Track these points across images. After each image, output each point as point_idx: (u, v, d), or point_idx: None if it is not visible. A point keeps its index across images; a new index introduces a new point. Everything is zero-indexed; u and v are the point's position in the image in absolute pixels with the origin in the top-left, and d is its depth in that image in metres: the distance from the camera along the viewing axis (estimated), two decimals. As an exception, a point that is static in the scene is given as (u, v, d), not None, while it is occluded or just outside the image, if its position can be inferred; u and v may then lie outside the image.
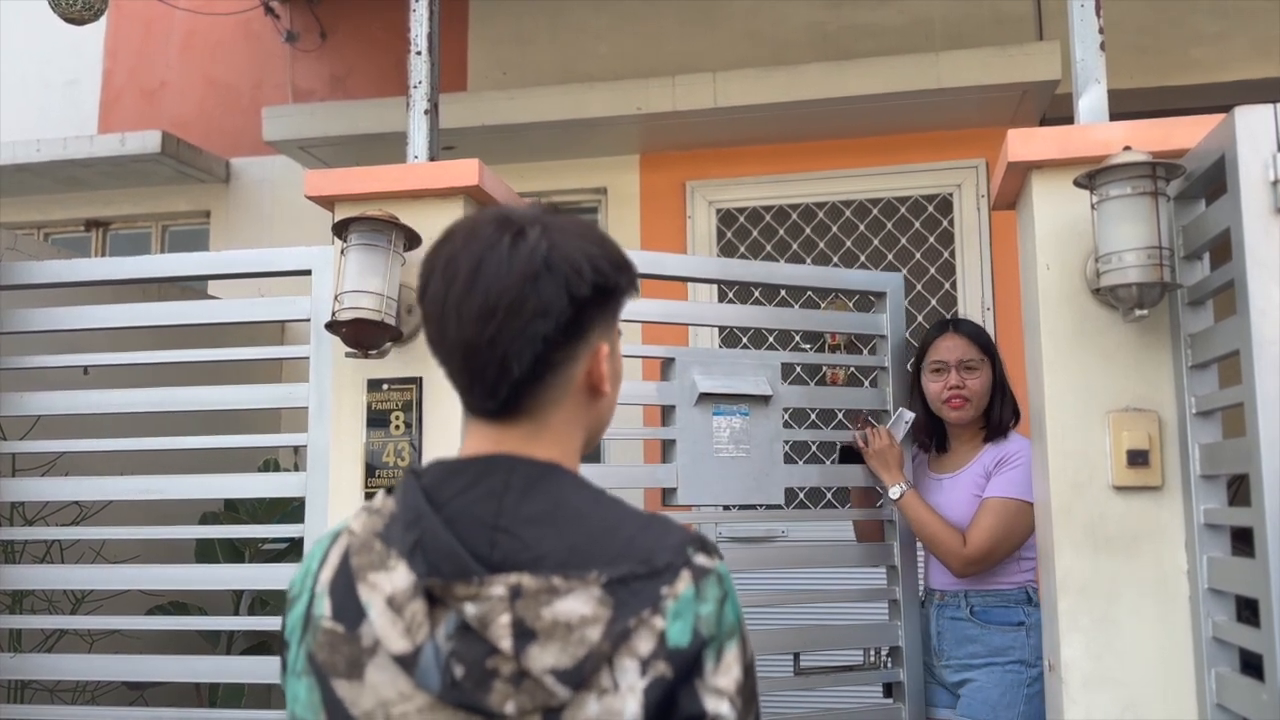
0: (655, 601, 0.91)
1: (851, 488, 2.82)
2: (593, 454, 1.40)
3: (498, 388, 1.00)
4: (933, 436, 2.80)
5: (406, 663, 0.91)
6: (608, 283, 1.02)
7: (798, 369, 4.35)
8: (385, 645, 0.92)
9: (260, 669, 2.55)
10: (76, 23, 3.87)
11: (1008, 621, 2.54)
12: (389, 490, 1.03)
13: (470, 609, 0.90)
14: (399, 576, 0.93)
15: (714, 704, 0.91)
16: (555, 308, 0.98)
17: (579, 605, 0.90)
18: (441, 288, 1.00)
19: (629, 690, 0.89)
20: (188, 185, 5.44)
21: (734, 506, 3.11)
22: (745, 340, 4.49)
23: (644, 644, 0.90)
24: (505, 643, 0.89)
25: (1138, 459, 2.02)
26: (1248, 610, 1.80)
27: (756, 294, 4.34)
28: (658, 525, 0.97)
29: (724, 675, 0.93)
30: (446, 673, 0.90)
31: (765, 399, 2.63)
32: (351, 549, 0.98)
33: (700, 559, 0.95)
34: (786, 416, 3.81)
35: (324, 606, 0.98)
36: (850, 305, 4.33)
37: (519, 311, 0.97)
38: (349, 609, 0.96)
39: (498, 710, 0.89)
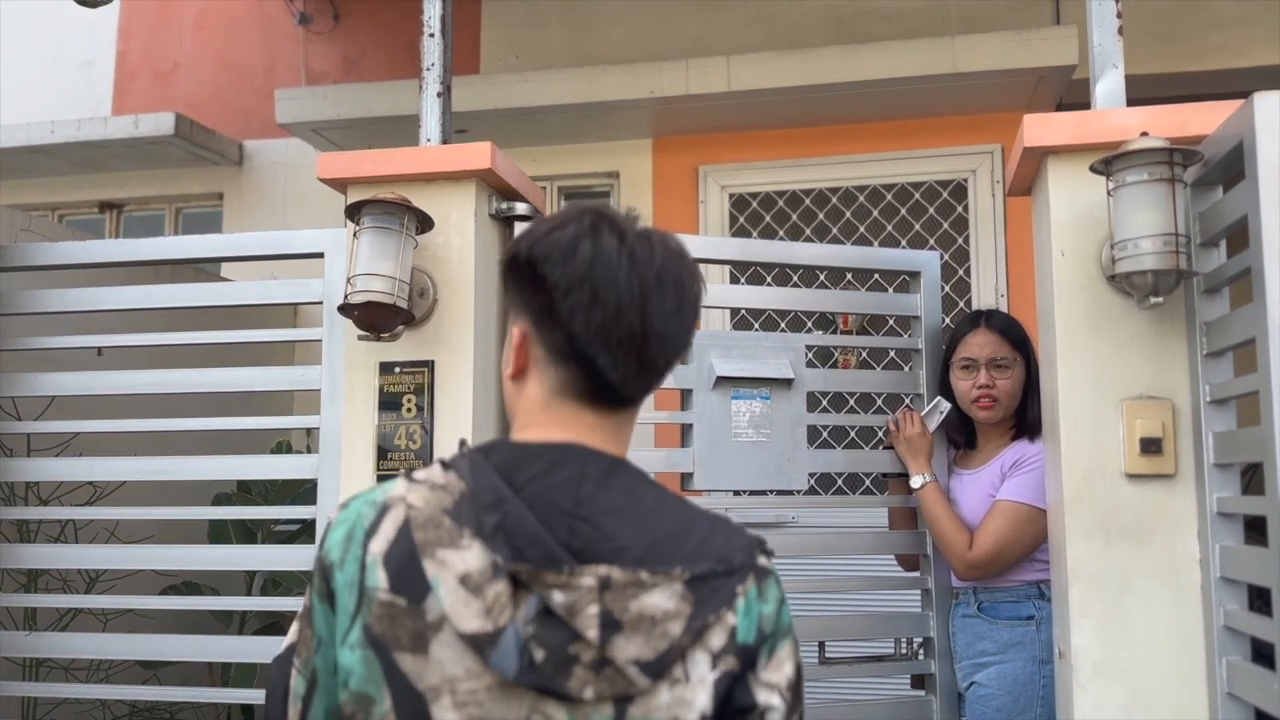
0: (730, 599, 0.96)
1: (891, 474, 2.73)
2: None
3: (656, 381, 1.06)
4: (963, 433, 2.70)
5: (480, 642, 0.92)
6: None
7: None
8: (454, 623, 0.93)
9: (272, 649, 2.56)
10: (89, 5, 3.87)
11: (1016, 616, 2.46)
12: (445, 465, 1.03)
13: (558, 597, 0.92)
14: (472, 556, 0.95)
15: (765, 696, 0.96)
16: (698, 312, 1.07)
17: (663, 600, 0.94)
18: (623, 271, 1.01)
19: (699, 682, 0.93)
20: (201, 167, 5.45)
21: (745, 492, 3.09)
22: (757, 325, 4.48)
23: (717, 639, 0.95)
24: (592, 632, 0.92)
25: (1151, 447, 2.01)
26: (1260, 599, 1.79)
27: (769, 279, 4.33)
28: (724, 525, 1.02)
29: (776, 671, 0.98)
30: (524, 655, 0.92)
31: (787, 383, 2.58)
32: (413, 523, 0.99)
33: (762, 561, 1.01)
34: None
35: (378, 578, 0.98)
36: (861, 289, 4.32)
37: (694, 314, 1.06)
38: (411, 583, 0.96)
39: (575, 694, 0.91)
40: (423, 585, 0.96)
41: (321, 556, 1.05)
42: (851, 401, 4.36)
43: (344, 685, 0.99)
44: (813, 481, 4.32)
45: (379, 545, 1.00)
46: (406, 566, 0.97)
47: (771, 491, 2.63)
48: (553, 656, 0.92)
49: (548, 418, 1.06)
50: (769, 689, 0.96)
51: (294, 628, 1.08)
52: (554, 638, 0.92)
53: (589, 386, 1.04)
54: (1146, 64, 4.36)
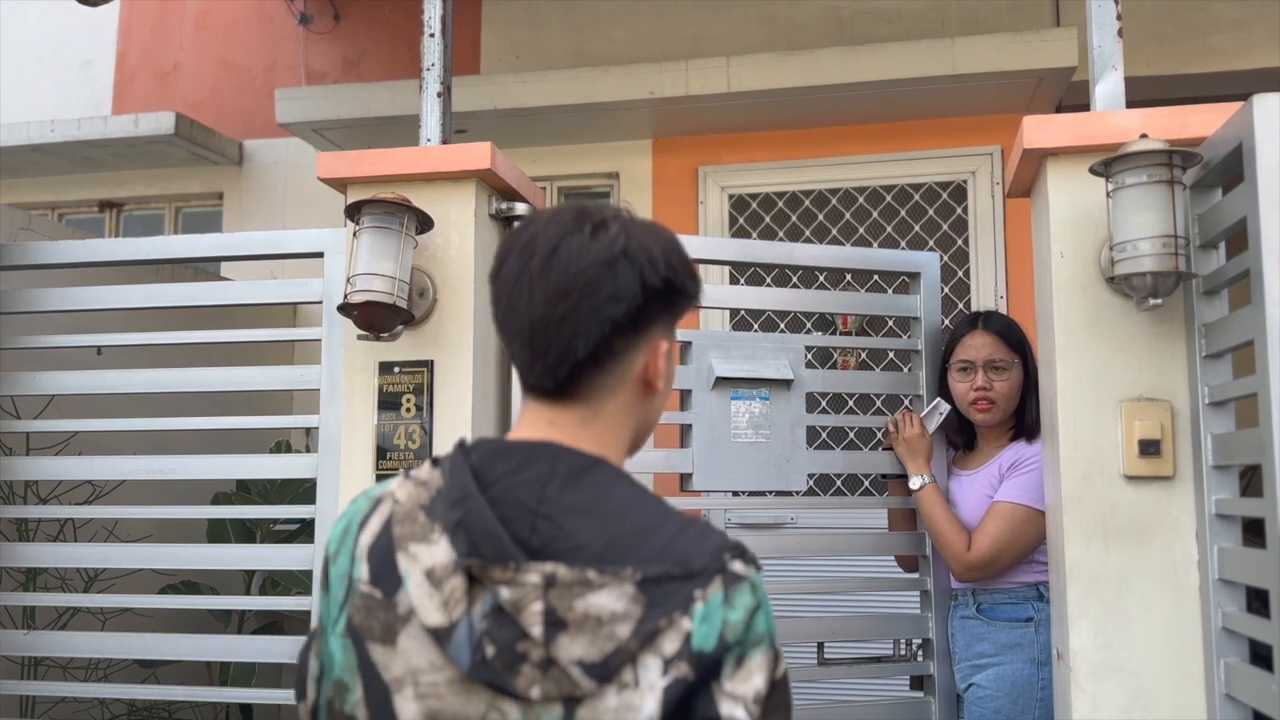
0: (686, 604, 0.92)
1: (890, 475, 2.73)
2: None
3: (559, 367, 1.03)
4: (962, 434, 2.70)
5: (440, 635, 0.93)
6: (676, 280, 1.06)
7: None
8: (420, 616, 0.95)
9: (271, 648, 2.57)
10: (90, 4, 3.87)
11: (1016, 618, 2.47)
12: (435, 462, 1.05)
13: (505, 593, 0.92)
14: (439, 551, 0.95)
15: (729, 708, 0.91)
16: (628, 294, 1.01)
17: (611, 601, 0.91)
18: (516, 266, 1.03)
19: (649, 688, 0.90)
20: (201, 167, 5.45)
21: (744, 492, 3.09)
22: (756, 325, 4.48)
23: (669, 644, 0.91)
24: (536, 629, 0.91)
25: (1150, 449, 2.01)
26: (1258, 601, 1.79)
27: (768, 280, 4.33)
28: (697, 529, 0.99)
29: (743, 682, 0.93)
30: (477, 650, 0.92)
31: (786, 383, 2.58)
32: (395, 517, 1.01)
33: (736, 566, 0.96)
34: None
35: (362, 570, 1.01)
36: (861, 290, 4.32)
37: (594, 293, 1.01)
38: (387, 575, 0.98)
39: (522, 693, 0.91)
40: (396, 578, 0.97)
41: (325, 550, 1.08)
42: (851, 402, 4.37)
43: (330, 672, 1.02)
44: (812, 482, 4.33)
45: (366, 538, 1.02)
46: (384, 560, 0.99)
47: (770, 492, 2.62)
48: (502, 653, 0.91)
49: (524, 417, 1.08)
50: (733, 700, 0.91)
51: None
52: (504, 634, 0.92)
53: (522, 380, 1.08)
54: (1146, 66, 4.36)
